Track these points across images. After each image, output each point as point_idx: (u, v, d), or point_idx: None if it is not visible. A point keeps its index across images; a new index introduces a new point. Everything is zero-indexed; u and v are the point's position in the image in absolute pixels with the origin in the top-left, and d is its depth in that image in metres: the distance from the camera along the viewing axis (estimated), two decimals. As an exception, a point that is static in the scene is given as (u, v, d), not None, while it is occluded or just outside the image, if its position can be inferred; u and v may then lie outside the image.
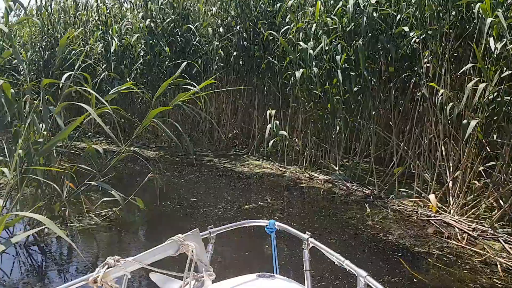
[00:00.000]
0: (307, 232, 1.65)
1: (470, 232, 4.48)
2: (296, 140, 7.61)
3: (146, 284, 3.26)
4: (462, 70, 5.04)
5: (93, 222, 4.66)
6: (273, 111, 7.05)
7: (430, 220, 4.90)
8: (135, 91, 6.11)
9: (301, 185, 6.49)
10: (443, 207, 5.19)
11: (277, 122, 7.05)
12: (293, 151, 7.75)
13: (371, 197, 5.77)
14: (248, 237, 4.25)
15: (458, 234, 4.50)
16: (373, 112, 6.71)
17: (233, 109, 9.52)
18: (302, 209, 5.46)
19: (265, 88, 8.63)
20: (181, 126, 9.78)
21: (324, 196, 6.01)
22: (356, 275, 1.27)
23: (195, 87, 4.37)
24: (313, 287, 1.56)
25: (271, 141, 7.29)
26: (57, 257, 3.98)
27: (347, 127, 6.97)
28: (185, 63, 5.55)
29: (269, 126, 6.97)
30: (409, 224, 4.81)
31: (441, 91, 5.33)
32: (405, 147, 6.34)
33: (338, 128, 6.89)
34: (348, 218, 4.98)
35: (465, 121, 5.03)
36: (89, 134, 10.69)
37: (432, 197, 5.21)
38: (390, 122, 6.76)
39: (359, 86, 6.68)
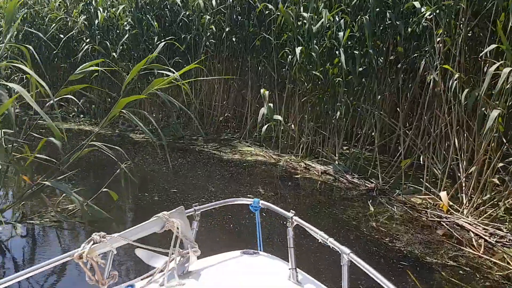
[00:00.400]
0: (291, 210, 1.65)
1: (487, 238, 3.91)
2: (292, 125, 6.99)
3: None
4: (484, 52, 4.38)
5: (56, 220, 4.06)
6: (267, 92, 6.38)
7: (442, 222, 4.32)
8: (108, 70, 5.44)
9: (296, 176, 5.89)
10: (455, 205, 4.61)
11: (271, 105, 6.39)
12: (289, 138, 7.13)
13: (375, 192, 5.18)
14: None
15: (473, 240, 3.92)
16: (378, 96, 6.07)
17: (225, 89, 8.86)
18: (296, 204, 4.88)
19: (260, 68, 7.94)
20: (169, 108, 9.14)
21: (321, 190, 5.42)
22: (340, 252, 1.28)
23: (175, 72, 3.69)
24: (297, 264, 1.55)
25: (265, 126, 6.66)
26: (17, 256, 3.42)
27: (349, 112, 6.34)
28: (162, 44, 4.83)
29: (263, 109, 6.32)
30: (418, 227, 4.23)
31: (456, 74, 4.68)
32: (413, 136, 5.73)
33: (338, 113, 6.26)
34: (348, 218, 4.40)
35: (483, 110, 4.42)
36: (73, 114, 10.04)
37: (443, 194, 4.63)
38: (398, 108, 6.12)
39: (364, 67, 6.02)
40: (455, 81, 4.66)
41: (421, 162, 5.36)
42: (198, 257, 1.57)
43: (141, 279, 1.48)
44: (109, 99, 9.90)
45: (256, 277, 1.54)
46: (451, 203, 4.60)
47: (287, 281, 1.51)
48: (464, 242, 3.89)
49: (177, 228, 1.45)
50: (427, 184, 5.01)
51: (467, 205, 4.51)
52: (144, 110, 9.19)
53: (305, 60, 6.27)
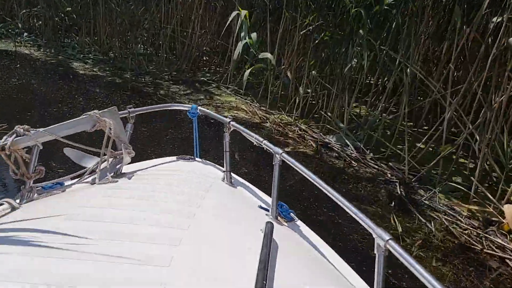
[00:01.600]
0: (228, 116, 1.80)
1: None
2: (288, 73, 5.12)
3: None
4: None
5: None
6: (244, 12, 4.40)
7: (507, 259, 2.70)
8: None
9: (286, 148, 4.16)
10: (525, 228, 2.97)
11: (255, 35, 4.48)
12: (281, 88, 5.31)
13: (399, 188, 3.49)
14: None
15: None
16: (413, 43, 4.19)
17: (207, 13, 6.82)
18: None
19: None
20: (129, 31, 7.14)
21: (318, 173, 3.72)
22: (273, 152, 1.34)
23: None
24: (231, 168, 1.60)
25: (248, 70, 4.83)
26: None
27: (369, 60, 4.48)
28: None
29: (241, 43, 4.44)
30: (473, 267, 2.60)
31: None
32: (458, 107, 3.93)
33: (354, 60, 4.42)
34: (360, 242, 2.74)
35: None
36: (16, 31, 7.95)
37: (508, 209, 2.96)
38: (435, 62, 4.27)
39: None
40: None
41: (468, 142, 3.64)
42: (133, 161, 1.54)
43: (71, 178, 1.42)
44: (61, 14, 7.82)
45: (190, 179, 1.50)
46: (520, 224, 2.95)
47: (221, 182, 1.56)
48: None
49: (109, 128, 1.40)
50: (479, 185, 3.32)
51: (546, 230, 2.86)
52: (100, 34, 7.19)
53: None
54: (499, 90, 3.57)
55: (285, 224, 1.36)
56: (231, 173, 1.60)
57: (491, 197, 3.18)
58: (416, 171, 3.71)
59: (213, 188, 1.41)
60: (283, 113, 4.94)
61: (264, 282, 0.82)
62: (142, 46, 7.16)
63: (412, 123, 4.64)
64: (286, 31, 5.16)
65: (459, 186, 3.38)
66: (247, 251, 0.97)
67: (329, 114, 4.63)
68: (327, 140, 4.28)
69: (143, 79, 6.03)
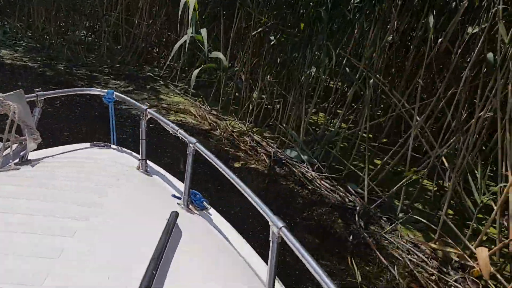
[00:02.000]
0: (146, 103, 1.69)
1: None
2: (242, 75, 4.59)
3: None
4: None
5: None
6: (194, 2, 3.84)
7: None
8: None
9: (236, 163, 3.65)
10: (498, 275, 2.62)
11: (205, 30, 3.95)
12: (235, 90, 4.78)
13: (357, 216, 3.07)
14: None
15: None
16: (378, 50, 3.76)
17: (156, 1, 6.16)
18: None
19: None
20: (74, 17, 6.37)
21: (268, 200, 3.23)
22: (187, 142, 1.34)
23: None
24: (147, 155, 1.56)
25: (197, 70, 4.27)
26: None
27: (329, 67, 4.04)
28: None
29: (185, 37, 3.90)
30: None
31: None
32: (424, 125, 3.54)
33: (313, 67, 3.95)
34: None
35: None
36: None
37: (482, 253, 2.59)
38: (394, 70, 3.88)
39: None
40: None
41: (439, 169, 3.27)
42: (41, 147, 1.49)
43: None
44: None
45: (102, 167, 1.45)
46: (492, 270, 2.59)
47: (135, 171, 1.52)
48: None
49: (14, 112, 1.33)
50: (447, 220, 2.94)
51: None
52: (34, 18, 6.37)
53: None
54: (474, 109, 3.21)
55: (196, 212, 1.34)
56: (147, 161, 1.56)
57: (461, 236, 2.80)
58: (376, 195, 3.30)
59: (125, 177, 1.37)
60: (236, 119, 4.42)
61: (154, 272, 0.80)
62: (83, 33, 6.40)
63: (372, 136, 4.24)
64: (241, 29, 4.63)
65: (423, 220, 2.99)
66: (147, 241, 0.94)
67: (284, 125, 4.15)
68: (281, 155, 3.81)
69: (78, 72, 5.33)
